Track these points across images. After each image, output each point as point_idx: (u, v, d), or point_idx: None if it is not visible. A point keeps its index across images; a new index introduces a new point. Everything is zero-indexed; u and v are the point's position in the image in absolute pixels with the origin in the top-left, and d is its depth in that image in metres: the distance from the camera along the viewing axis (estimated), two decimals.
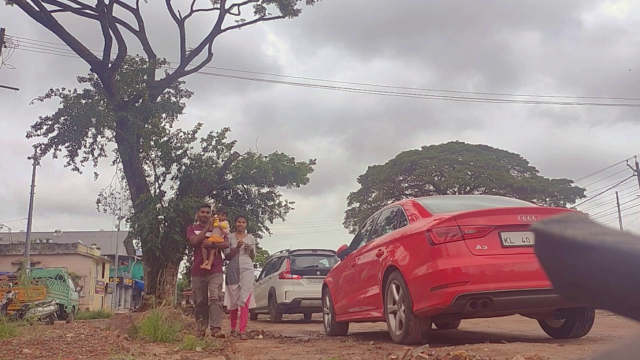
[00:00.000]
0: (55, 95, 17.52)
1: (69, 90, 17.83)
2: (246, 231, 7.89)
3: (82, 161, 18.12)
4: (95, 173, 18.40)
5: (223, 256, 7.31)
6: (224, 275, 7.40)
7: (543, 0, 79.36)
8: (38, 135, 17.64)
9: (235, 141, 18.08)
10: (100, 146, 18.19)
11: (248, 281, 7.16)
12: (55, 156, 17.91)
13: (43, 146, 17.85)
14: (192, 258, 8.95)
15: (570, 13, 79.45)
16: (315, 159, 19.03)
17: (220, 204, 17.15)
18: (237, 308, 7.16)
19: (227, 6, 19.19)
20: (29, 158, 23.92)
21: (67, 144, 17.73)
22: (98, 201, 18.41)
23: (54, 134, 17.53)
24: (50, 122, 17.47)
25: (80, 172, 18.17)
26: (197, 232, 7.25)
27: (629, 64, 76.94)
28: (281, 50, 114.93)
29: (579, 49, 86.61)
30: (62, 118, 17.51)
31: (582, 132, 79.64)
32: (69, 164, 17.98)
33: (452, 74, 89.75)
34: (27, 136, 17.59)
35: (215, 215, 7.39)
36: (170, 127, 18.46)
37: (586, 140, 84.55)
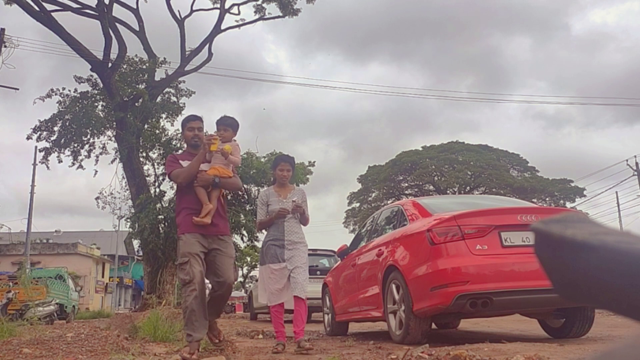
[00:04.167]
0: (55, 95, 17.54)
1: (69, 90, 17.86)
2: (294, 184, 5.29)
3: (82, 160, 18.14)
4: (95, 170, 18.36)
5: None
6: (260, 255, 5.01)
7: (533, 6, 79.75)
8: (39, 140, 17.68)
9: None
10: (102, 145, 18.20)
11: (302, 261, 4.75)
12: (60, 160, 17.90)
13: (46, 149, 17.83)
14: (175, 205, 4.61)
15: (561, 19, 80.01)
16: (314, 161, 19.01)
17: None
18: (283, 303, 4.78)
19: (227, 6, 19.20)
20: (33, 165, 24.04)
21: (69, 147, 17.70)
22: (97, 198, 18.44)
23: (54, 137, 17.52)
24: (48, 125, 17.44)
25: (84, 169, 18.17)
26: (184, 164, 4.29)
27: (618, 69, 79.04)
28: (279, 57, 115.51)
29: (570, 54, 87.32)
30: (61, 120, 17.49)
31: (577, 134, 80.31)
32: (73, 164, 17.99)
33: (446, 78, 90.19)
34: (27, 138, 17.63)
35: (213, 132, 4.45)
36: (172, 125, 18.50)
37: (581, 142, 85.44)
